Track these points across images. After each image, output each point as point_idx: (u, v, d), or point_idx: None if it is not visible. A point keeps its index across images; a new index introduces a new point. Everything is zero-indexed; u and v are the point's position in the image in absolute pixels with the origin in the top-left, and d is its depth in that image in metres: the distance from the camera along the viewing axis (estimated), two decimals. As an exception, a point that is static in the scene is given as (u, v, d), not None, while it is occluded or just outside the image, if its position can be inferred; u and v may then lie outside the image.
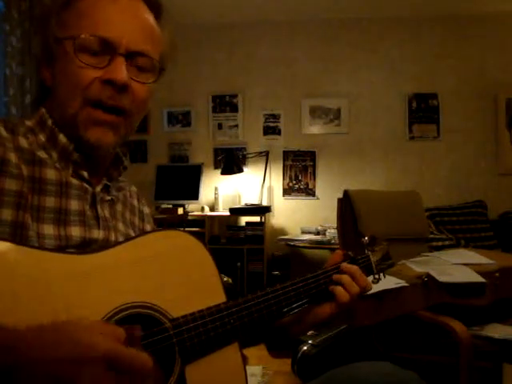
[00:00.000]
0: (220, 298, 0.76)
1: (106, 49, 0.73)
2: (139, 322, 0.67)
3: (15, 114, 3.01)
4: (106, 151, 0.78)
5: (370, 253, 0.96)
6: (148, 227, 0.94)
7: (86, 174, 0.78)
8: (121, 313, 0.66)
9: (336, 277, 0.88)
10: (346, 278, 0.87)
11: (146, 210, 0.96)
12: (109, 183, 0.83)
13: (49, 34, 0.75)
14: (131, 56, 0.74)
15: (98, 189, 0.80)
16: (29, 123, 0.77)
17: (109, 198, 0.83)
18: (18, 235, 0.67)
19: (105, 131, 0.74)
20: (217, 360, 0.73)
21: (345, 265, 0.90)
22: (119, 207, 0.86)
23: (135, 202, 0.93)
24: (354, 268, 0.89)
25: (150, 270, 0.71)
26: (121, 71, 0.72)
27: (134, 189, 0.95)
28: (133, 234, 0.86)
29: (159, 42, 0.80)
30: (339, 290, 0.86)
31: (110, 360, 0.54)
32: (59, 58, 0.75)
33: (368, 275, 0.94)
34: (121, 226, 0.84)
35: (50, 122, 0.77)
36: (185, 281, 0.74)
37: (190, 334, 0.70)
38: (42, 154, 0.74)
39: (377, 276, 0.96)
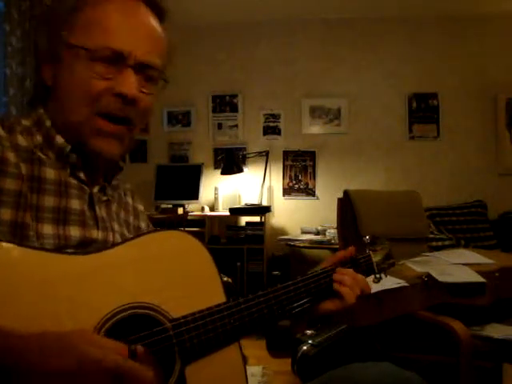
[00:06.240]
0: (220, 298, 0.76)
1: (116, 59, 0.73)
2: (139, 322, 0.67)
3: (15, 114, 3.00)
4: (110, 160, 0.78)
5: (371, 252, 0.96)
6: (142, 225, 0.93)
7: (82, 175, 0.78)
8: (121, 313, 0.66)
9: (338, 277, 0.87)
10: (349, 279, 0.87)
11: (140, 207, 0.96)
12: (105, 183, 0.83)
13: (55, 35, 0.74)
14: (139, 67, 0.75)
15: (96, 189, 0.80)
16: (26, 122, 0.76)
17: (105, 198, 0.83)
18: (17, 235, 0.67)
19: (110, 142, 0.75)
20: (217, 360, 0.73)
21: (344, 270, 0.89)
22: (114, 207, 0.86)
23: (129, 200, 0.93)
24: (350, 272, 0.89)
25: (150, 270, 0.71)
26: (131, 85, 0.73)
27: (128, 186, 0.94)
28: (127, 234, 0.86)
29: (163, 49, 0.80)
30: (346, 290, 0.86)
31: (115, 373, 0.54)
32: (67, 63, 0.74)
33: (369, 275, 0.94)
34: (116, 226, 0.84)
35: (48, 122, 0.76)
36: (185, 281, 0.74)
37: (190, 334, 0.70)
38: (39, 154, 0.74)
39: (378, 275, 0.95)
